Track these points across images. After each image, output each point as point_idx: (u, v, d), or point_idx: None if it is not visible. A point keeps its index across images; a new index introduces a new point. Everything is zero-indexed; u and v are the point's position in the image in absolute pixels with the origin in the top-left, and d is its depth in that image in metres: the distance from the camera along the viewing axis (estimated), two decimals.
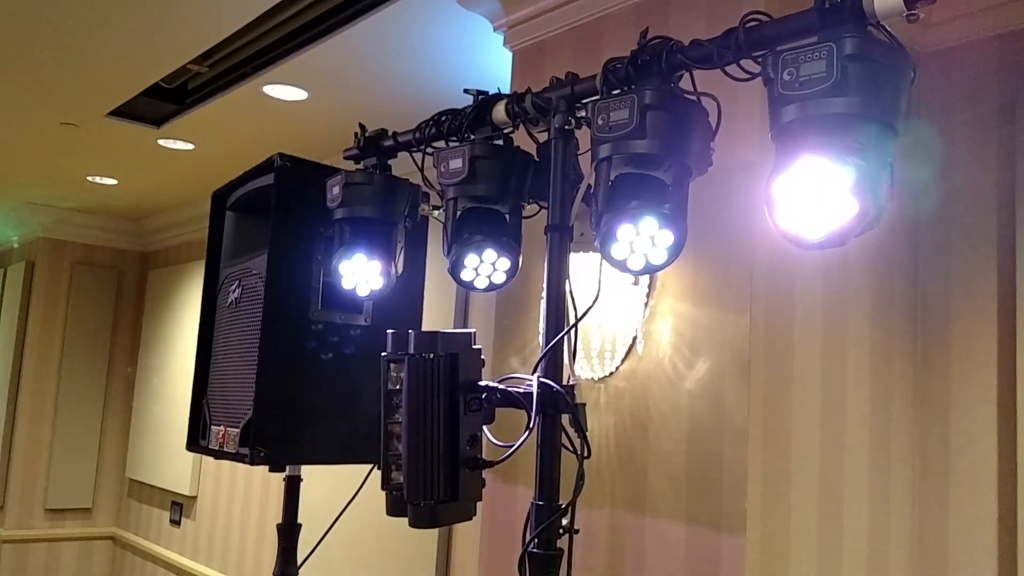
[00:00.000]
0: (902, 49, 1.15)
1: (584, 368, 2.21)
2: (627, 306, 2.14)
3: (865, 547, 2.15)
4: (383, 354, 1.35)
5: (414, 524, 1.31)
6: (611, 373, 2.16)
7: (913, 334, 2.34)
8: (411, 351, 1.30)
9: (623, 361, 2.14)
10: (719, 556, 1.87)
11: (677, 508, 1.97)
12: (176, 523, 5.62)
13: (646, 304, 2.11)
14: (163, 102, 3.82)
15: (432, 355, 1.29)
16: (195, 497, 5.43)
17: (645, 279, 2.12)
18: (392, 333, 1.36)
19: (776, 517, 1.92)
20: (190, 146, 4.33)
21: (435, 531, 3.60)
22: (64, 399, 6.17)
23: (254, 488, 4.88)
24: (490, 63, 3.01)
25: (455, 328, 3.67)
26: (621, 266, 1.39)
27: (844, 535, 2.09)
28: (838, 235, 1.17)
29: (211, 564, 5.19)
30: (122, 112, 3.85)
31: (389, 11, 2.70)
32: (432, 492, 1.29)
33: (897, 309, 2.32)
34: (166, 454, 5.69)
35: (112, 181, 5.22)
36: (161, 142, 4.27)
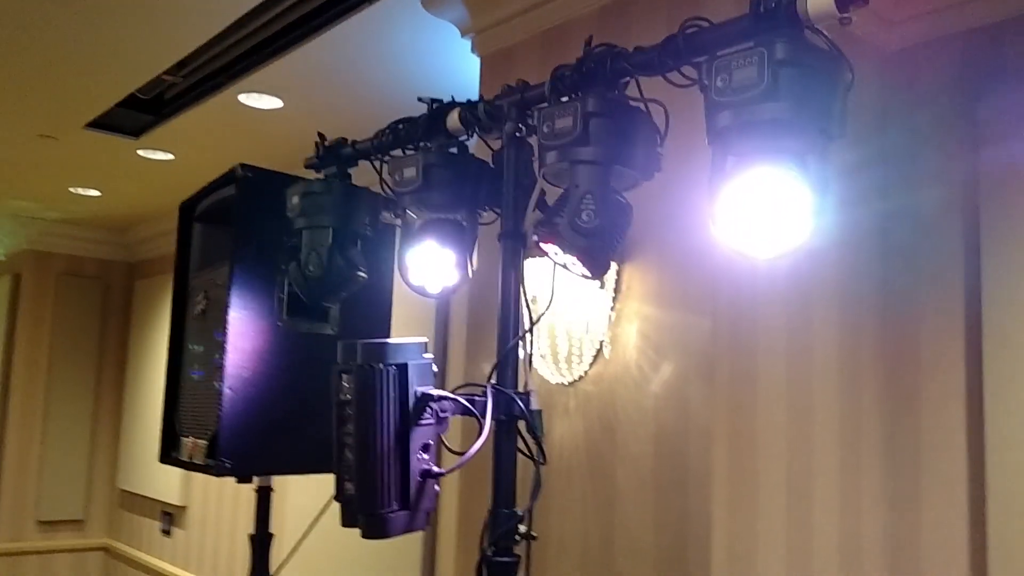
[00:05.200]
0: (838, 53, 1.15)
1: (553, 373, 2.21)
2: (594, 310, 2.14)
3: (836, 546, 2.15)
4: (333, 365, 1.35)
5: (366, 535, 1.31)
6: (580, 377, 2.17)
7: (881, 331, 2.35)
8: (359, 362, 1.30)
9: (591, 365, 2.15)
10: (686, 557, 1.87)
11: (645, 511, 1.97)
12: (167, 533, 5.61)
13: (612, 308, 2.12)
14: (140, 113, 3.82)
15: (380, 365, 1.29)
16: (185, 507, 5.42)
17: (611, 283, 2.13)
18: (342, 343, 1.35)
19: (743, 518, 1.92)
20: (170, 156, 4.33)
21: (419, 538, 3.59)
22: (53, 411, 6.16)
23: (243, 497, 4.87)
24: (461, 69, 3.02)
25: (435, 337, 3.67)
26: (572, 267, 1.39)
27: (814, 535, 2.10)
28: (783, 246, 1.17)
29: (202, 573, 5.19)
30: (100, 123, 3.85)
31: (357, 19, 2.71)
32: (383, 502, 1.28)
33: (864, 307, 2.32)
34: (155, 464, 5.66)
35: (95, 192, 5.21)
36: (140, 152, 4.27)
